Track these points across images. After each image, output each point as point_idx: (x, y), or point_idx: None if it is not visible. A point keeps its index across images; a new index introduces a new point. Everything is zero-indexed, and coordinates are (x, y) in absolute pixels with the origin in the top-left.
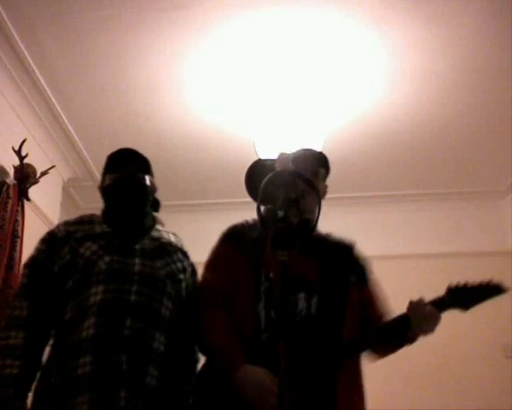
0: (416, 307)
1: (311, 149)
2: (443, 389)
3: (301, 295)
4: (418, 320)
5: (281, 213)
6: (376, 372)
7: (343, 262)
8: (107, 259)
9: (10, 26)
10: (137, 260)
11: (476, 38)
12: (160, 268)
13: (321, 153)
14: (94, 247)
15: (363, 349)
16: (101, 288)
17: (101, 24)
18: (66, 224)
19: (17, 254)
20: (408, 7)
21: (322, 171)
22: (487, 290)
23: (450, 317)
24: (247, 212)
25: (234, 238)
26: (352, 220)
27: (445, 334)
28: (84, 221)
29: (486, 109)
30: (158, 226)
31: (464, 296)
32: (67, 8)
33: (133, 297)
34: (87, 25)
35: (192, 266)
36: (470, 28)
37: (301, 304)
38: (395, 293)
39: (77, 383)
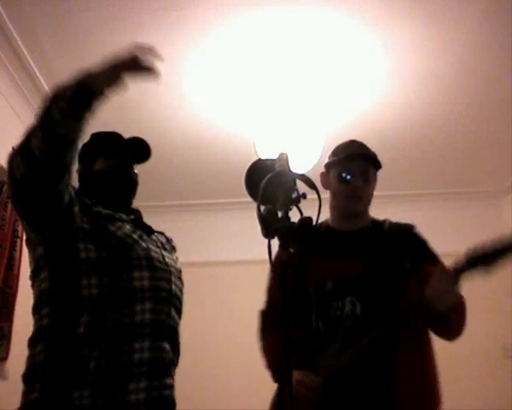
0: (439, 270)
1: (360, 147)
2: (443, 389)
3: (348, 299)
4: (436, 283)
5: (281, 213)
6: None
7: (395, 250)
8: (143, 245)
9: (10, 26)
10: (163, 252)
11: (476, 39)
12: (176, 261)
13: (370, 150)
14: (125, 229)
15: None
16: (146, 273)
17: (101, 24)
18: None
19: (17, 254)
20: (408, 7)
21: (372, 171)
22: (506, 249)
23: None
24: (246, 212)
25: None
26: None
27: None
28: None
29: (486, 109)
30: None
31: (484, 257)
32: (67, 8)
33: (173, 287)
34: (87, 25)
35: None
36: (470, 28)
37: (347, 307)
38: None
39: (131, 369)
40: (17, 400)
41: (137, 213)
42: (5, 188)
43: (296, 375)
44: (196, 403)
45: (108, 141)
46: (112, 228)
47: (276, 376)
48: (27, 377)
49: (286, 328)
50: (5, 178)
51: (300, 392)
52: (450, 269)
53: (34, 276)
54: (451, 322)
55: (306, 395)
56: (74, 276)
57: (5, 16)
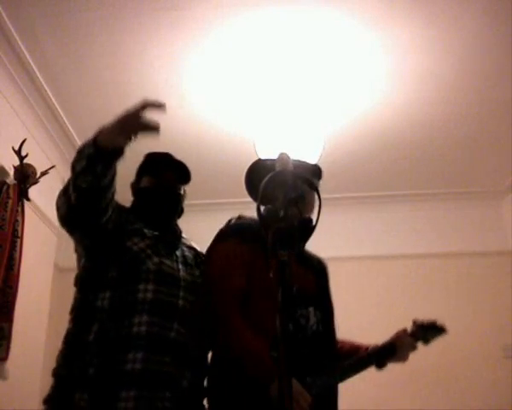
0: (403, 337)
1: (305, 162)
2: (443, 389)
3: (311, 309)
4: (402, 349)
5: (281, 213)
6: (376, 373)
7: (325, 276)
8: (155, 260)
9: (10, 26)
10: (181, 267)
11: (476, 38)
12: (199, 277)
13: (315, 165)
14: (141, 244)
15: (355, 373)
16: (151, 287)
17: (101, 24)
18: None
19: (17, 254)
20: (408, 7)
21: (317, 182)
22: (435, 329)
23: (450, 317)
24: (247, 212)
25: (249, 236)
26: (352, 220)
27: (438, 340)
28: (128, 211)
29: (486, 109)
30: (183, 234)
31: (425, 332)
32: (67, 8)
33: (181, 302)
34: (87, 25)
35: None
36: (470, 28)
37: (312, 318)
38: (395, 293)
39: (122, 378)
40: (17, 400)
41: (175, 230)
42: (5, 188)
43: (298, 387)
44: None
45: (156, 161)
46: (129, 243)
47: (261, 373)
48: (52, 373)
49: (285, 330)
50: (5, 179)
51: (299, 405)
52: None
53: (74, 284)
54: None
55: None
56: (95, 289)
57: (5, 16)
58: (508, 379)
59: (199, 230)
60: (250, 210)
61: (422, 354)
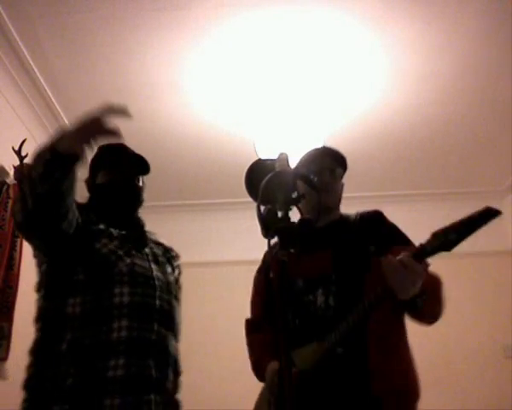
0: (386, 261)
1: (328, 147)
2: (443, 389)
3: (319, 292)
4: (390, 276)
5: (281, 213)
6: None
7: (359, 236)
8: (127, 261)
9: (10, 26)
10: (153, 266)
11: (476, 38)
12: (170, 274)
13: (338, 152)
14: (111, 246)
15: (365, 316)
16: (126, 290)
17: (101, 24)
18: (85, 207)
19: (17, 254)
20: (408, 7)
21: (339, 170)
22: (474, 220)
23: (449, 317)
24: (247, 212)
25: (261, 269)
26: None
27: (445, 334)
28: (88, 210)
29: (486, 109)
30: (145, 228)
31: (449, 235)
32: (67, 8)
33: (158, 302)
34: (87, 25)
35: (179, 267)
36: (470, 28)
37: (320, 299)
38: None
39: (105, 386)
40: (17, 400)
41: (139, 224)
42: (5, 188)
43: (274, 365)
44: (196, 403)
45: (110, 154)
46: (97, 245)
47: (259, 376)
48: (23, 386)
49: (283, 327)
50: (5, 179)
51: (276, 382)
52: (407, 255)
53: (36, 291)
54: (422, 307)
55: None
56: (63, 295)
57: (5, 16)
58: (508, 379)
59: (199, 230)
60: (250, 210)
61: (422, 353)
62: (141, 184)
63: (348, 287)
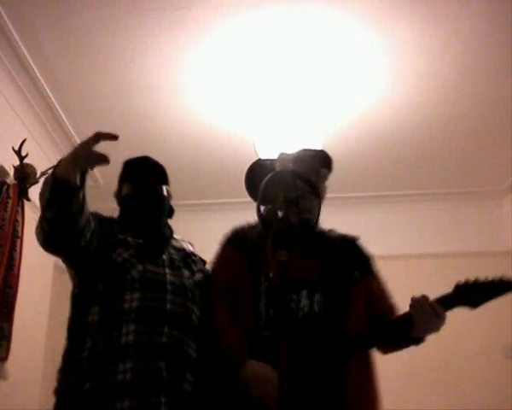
0: (417, 303)
1: (313, 149)
2: (443, 389)
3: (303, 293)
4: (420, 318)
5: (281, 213)
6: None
7: (345, 258)
8: (139, 268)
9: (10, 26)
10: (167, 270)
11: (476, 38)
12: (188, 277)
13: (324, 152)
14: (125, 254)
15: (366, 346)
16: (136, 295)
17: (101, 24)
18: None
19: (17, 254)
20: (408, 7)
21: (324, 171)
22: (499, 287)
23: (449, 317)
24: (247, 212)
25: (235, 242)
26: (352, 220)
27: (445, 334)
28: (113, 222)
29: (486, 109)
30: (174, 235)
31: (473, 294)
32: (67, 9)
33: (168, 306)
34: (87, 25)
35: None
36: (470, 28)
37: (304, 301)
38: (395, 293)
39: (116, 390)
40: (17, 400)
41: (164, 233)
42: (5, 188)
43: (266, 371)
44: None
45: (132, 166)
46: (114, 256)
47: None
48: (53, 392)
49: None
50: (5, 179)
51: (263, 389)
52: (436, 303)
53: (70, 301)
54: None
55: (268, 393)
56: (86, 305)
57: (5, 16)
58: (508, 379)
59: (199, 230)
60: (250, 210)
61: (423, 353)
62: (164, 193)
63: (334, 302)
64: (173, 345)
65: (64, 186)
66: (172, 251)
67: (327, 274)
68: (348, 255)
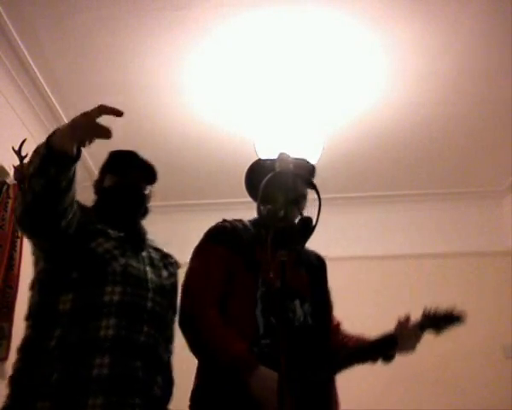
0: (404, 326)
1: (301, 159)
2: (443, 389)
3: (297, 302)
4: (405, 340)
5: (281, 213)
6: (376, 373)
7: (322, 273)
8: (122, 261)
9: (10, 26)
10: (148, 268)
11: (476, 38)
12: (166, 279)
13: (306, 161)
14: (107, 245)
15: (353, 364)
16: (118, 289)
17: (101, 24)
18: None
19: (17, 254)
20: (408, 7)
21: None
22: (450, 318)
23: None
24: (247, 212)
25: (225, 239)
26: (352, 220)
27: (444, 334)
28: (89, 211)
29: (486, 109)
30: (147, 235)
31: (436, 321)
32: (67, 9)
33: (149, 304)
34: (87, 25)
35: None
36: (470, 28)
37: (298, 310)
38: (395, 293)
39: (89, 384)
40: None
41: (140, 230)
42: (5, 188)
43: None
44: None
45: (119, 158)
46: (93, 244)
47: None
48: (8, 382)
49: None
50: (5, 179)
51: (269, 397)
52: (416, 327)
53: (30, 288)
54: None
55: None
56: (56, 291)
57: (5, 16)
58: (508, 379)
59: (199, 230)
60: (250, 210)
61: (423, 354)
62: (147, 192)
63: (321, 314)
64: (150, 345)
65: (57, 157)
66: (151, 250)
67: (312, 286)
68: (323, 271)
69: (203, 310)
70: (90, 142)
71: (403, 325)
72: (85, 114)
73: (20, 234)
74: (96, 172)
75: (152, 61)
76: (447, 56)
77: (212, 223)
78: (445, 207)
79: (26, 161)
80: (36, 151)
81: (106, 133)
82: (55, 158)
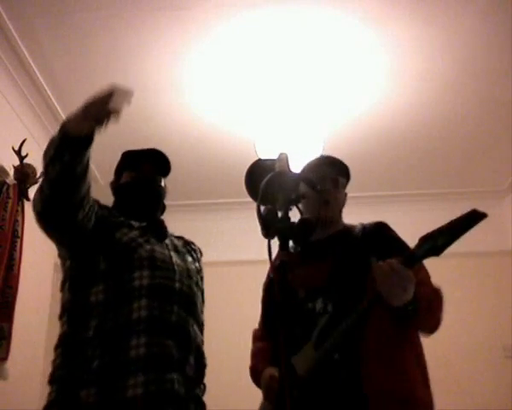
0: (376, 267)
1: (331, 157)
2: (443, 389)
3: (319, 300)
4: (381, 280)
5: (281, 213)
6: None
7: (360, 249)
8: (147, 247)
9: (10, 26)
10: (172, 253)
11: (476, 38)
12: (191, 263)
13: (341, 161)
14: (131, 234)
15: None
16: (146, 273)
17: (101, 24)
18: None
19: (17, 254)
20: (408, 7)
21: (342, 180)
22: (461, 224)
23: (449, 317)
24: (247, 212)
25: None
26: (353, 220)
27: (444, 334)
28: (110, 209)
29: (486, 109)
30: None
31: (436, 239)
32: (67, 8)
33: (177, 285)
34: (87, 25)
35: (200, 261)
36: (470, 28)
37: (318, 306)
38: None
39: (129, 365)
40: (17, 400)
41: (159, 222)
42: (5, 188)
43: (270, 370)
44: None
45: (132, 156)
46: (118, 235)
47: (256, 381)
48: (49, 380)
49: (284, 328)
50: (5, 179)
51: (273, 387)
52: (396, 260)
53: (61, 287)
54: (414, 316)
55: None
56: (87, 285)
57: (5, 16)
58: (508, 379)
59: (199, 230)
60: (250, 210)
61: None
62: (162, 184)
63: (346, 296)
64: (181, 325)
65: (72, 140)
66: (173, 238)
67: (335, 272)
68: (365, 244)
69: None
70: (103, 124)
71: (375, 265)
72: (97, 98)
73: (20, 234)
74: (98, 176)
75: (152, 61)
76: (447, 56)
77: (212, 223)
78: (445, 207)
79: (26, 161)
80: (50, 141)
81: (117, 113)
82: (69, 143)
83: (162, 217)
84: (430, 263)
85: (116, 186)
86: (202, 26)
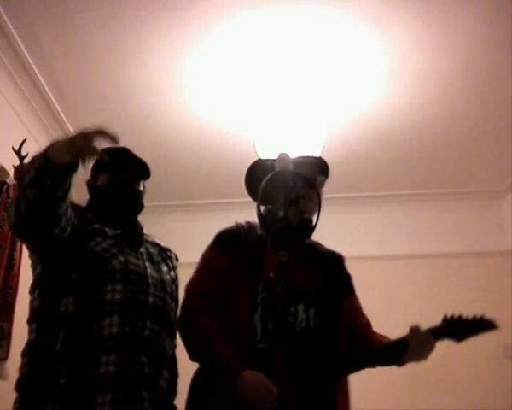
0: (415, 333)
1: (310, 156)
2: (443, 389)
3: (300, 306)
4: (416, 346)
5: (281, 213)
6: (377, 373)
7: (335, 273)
8: (121, 258)
9: (10, 26)
10: (147, 264)
11: (476, 38)
12: (166, 273)
13: (321, 159)
14: (104, 244)
15: (362, 367)
16: (118, 287)
17: (101, 24)
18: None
19: (17, 254)
20: (408, 7)
21: (320, 178)
22: (480, 325)
23: None
24: (247, 212)
25: (228, 243)
26: (352, 220)
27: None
28: (84, 210)
29: (486, 109)
30: (144, 231)
31: (458, 328)
32: (67, 8)
33: (151, 299)
34: (87, 25)
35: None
36: (470, 28)
37: (301, 315)
38: (395, 293)
39: (97, 383)
40: None
41: (137, 227)
42: (5, 188)
43: (263, 378)
44: None
45: (112, 157)
46: (91, 244)
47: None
48: (16, 387)
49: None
50: (5, 179)
51: (263, 400)
52: (429, 333)
53: (31, 292)
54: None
55: (267, 405)
56: (57, 294)
57: (5, 16)
58: (508, 379)
59: (199, 230)
60: (250, 210)
61: None
62: (141, 188)
63: (328, 317)
64: (154, 340)
65: (54, 169)
66: (148, 245)
67: (321, 287)
68: (337, 270)
69: (193, 314)
70: (84, 162)
71: (414, 331)
72: (83, 134)
73: None
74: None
75: (152, 61)
76: (447, 56)
77: (212, 223)
78: (445, 207)
79: (26, 160)
80: (32, 162)
81: (101, 156)
82: (51, 170)
83: (138, 217)
84: (430, 263)
85: (92, 187)
86: (202, 26)
